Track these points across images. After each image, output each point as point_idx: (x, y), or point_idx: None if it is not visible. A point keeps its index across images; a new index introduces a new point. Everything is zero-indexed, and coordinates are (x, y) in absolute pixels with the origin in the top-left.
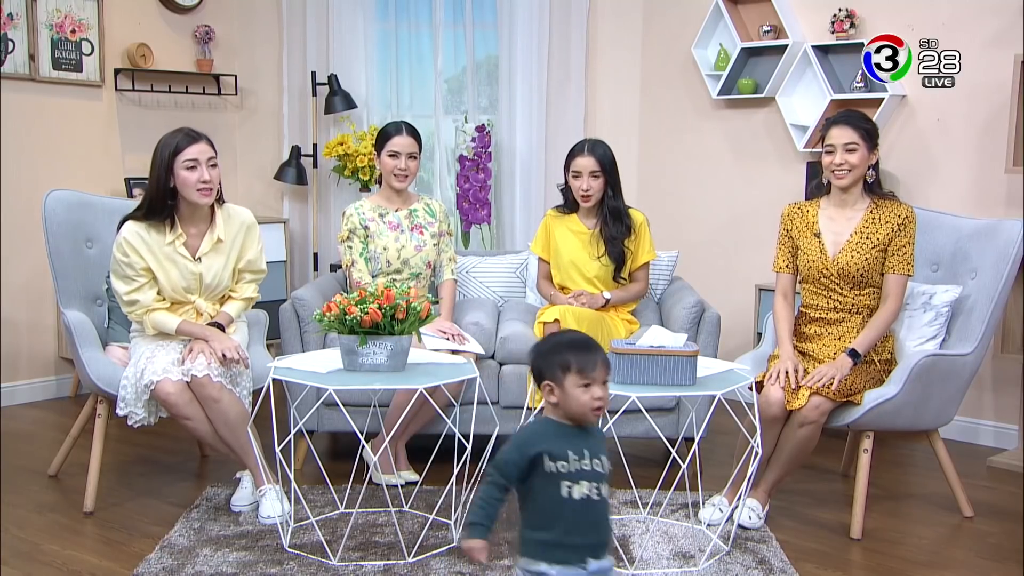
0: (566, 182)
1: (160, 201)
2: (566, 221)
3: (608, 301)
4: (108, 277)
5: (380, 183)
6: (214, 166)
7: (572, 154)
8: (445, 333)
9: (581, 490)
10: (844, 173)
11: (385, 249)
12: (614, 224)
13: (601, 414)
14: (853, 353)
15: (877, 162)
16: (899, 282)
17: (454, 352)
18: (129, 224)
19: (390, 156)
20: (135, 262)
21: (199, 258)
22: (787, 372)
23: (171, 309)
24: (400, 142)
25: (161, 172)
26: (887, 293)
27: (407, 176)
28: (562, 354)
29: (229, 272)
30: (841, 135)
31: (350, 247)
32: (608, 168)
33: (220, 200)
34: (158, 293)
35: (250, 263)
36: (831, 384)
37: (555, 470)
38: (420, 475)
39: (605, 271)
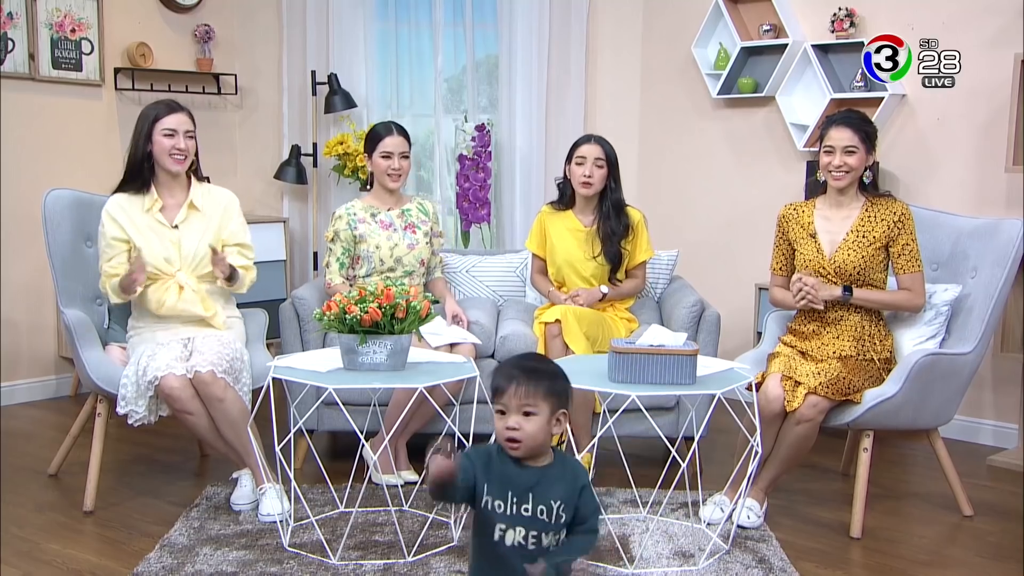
0: (565, 175)
1: (137, 167)
2: (562, 218)
3: (605, 295)
4: None
5: (371, 184)
6: (191, 137)
7: (577, 143)
8: (458, 316)
9: (515, 537)
10: (842, 175)
11: (377, 247)
12: (615, 219)
13: (517, 450)
14: (847, 288)
15: (875, 162)
16: (915, 279)
17: (452, 346)
18: (111, 198)
19: (383, 157)
20: (108, 231)
21: (176, 226)
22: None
23: (155, 281)
24: (392, 142)
25: (140, 138)
26: (907, 290)
27: (401, 175)
28: (493, 377)
29: (207, 244)
30: (841, 137)
31: (330, 248)
32: (612, 161)
33: (198, 174)
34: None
35: (233, 234)
36: (812, 295)
37: (490, 507)
38: (420, 475)
39: (601, 270)
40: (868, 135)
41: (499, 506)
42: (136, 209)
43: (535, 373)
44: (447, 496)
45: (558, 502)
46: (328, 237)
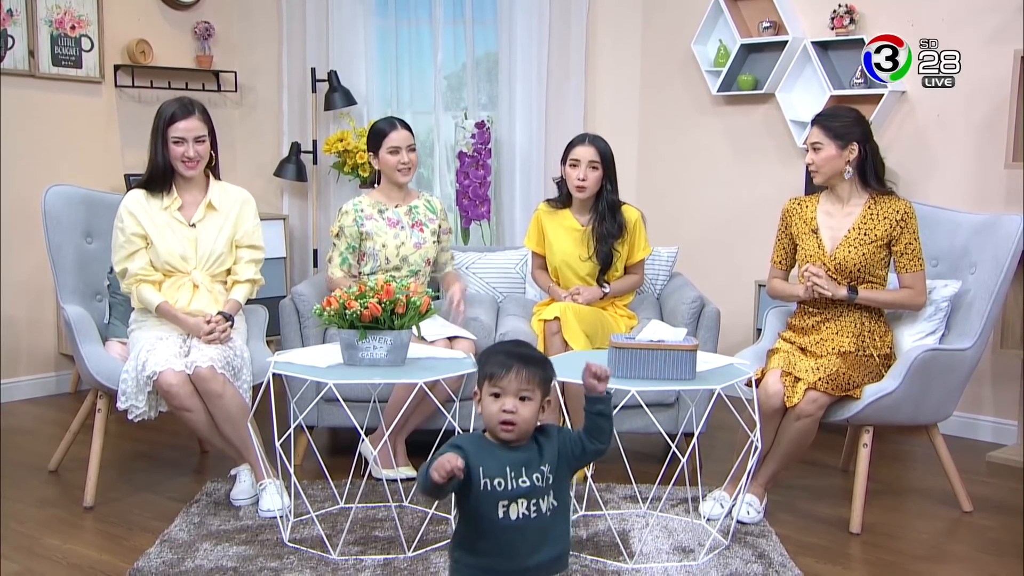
0: (562, 174)
1: (159, 169)
2: (559, 217)
3: (607, 294)
4: (109, 272)
5: (378, 181)
6: (201, 142)
7: (571, 144)
8: (455, 298)
9: (519, 509)
10: (814, 172)
11: (384, 246)
12: (610, 220)
13: (511, 433)
14: (852, 289)
15: (867, 158)
16: (916, 278)
17: (452, 339)
18: (131, 193)
19: (391, 153)
20: (127, 227)
21: (194, 224)
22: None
23: (169, 278)
24: (398, 137)
25: (157, 142)
26: (908, 289)
27: (411, 169)
28: (486, 360)
29: (224, 242)
30: (811, 135)
31: (335, 243)
32: (607, 161)
33: (216, 172)
34: (152, 266)
35: (246, 234)
36: (819, 282)
37: (490, 487)
38: (419, 470)
39: (598, 269)
40: (835, 131)
41: (499, 484)
42: (155, 205)
43: (531, 360)
44: (442, 491)
45: (547, 465)
46: (333, 232)
